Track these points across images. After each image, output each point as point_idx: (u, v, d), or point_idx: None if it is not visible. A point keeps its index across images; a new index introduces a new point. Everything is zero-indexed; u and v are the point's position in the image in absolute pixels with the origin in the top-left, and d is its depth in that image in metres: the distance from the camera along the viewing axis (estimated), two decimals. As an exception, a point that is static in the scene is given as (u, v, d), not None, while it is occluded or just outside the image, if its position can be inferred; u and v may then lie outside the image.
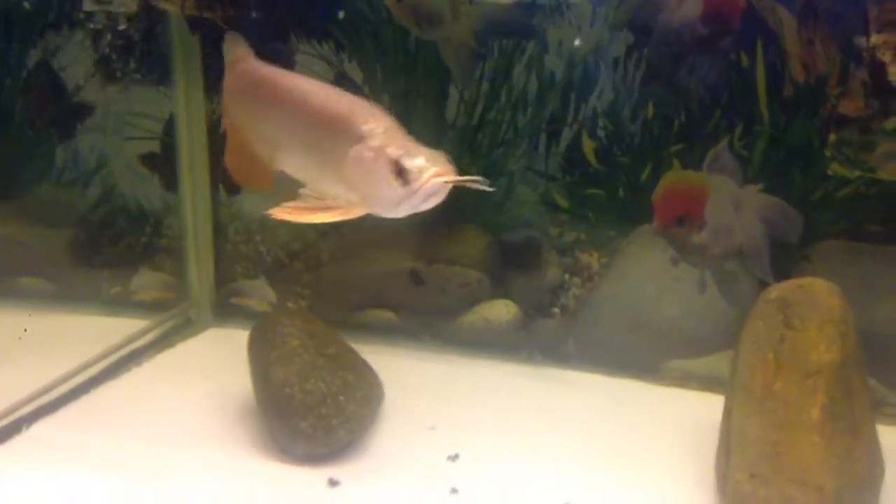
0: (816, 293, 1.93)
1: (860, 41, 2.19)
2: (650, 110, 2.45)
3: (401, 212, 1.37)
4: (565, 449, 2.15)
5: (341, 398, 2.10)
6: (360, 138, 1.38)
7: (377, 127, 1.38)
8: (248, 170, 1.65)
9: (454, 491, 1.98)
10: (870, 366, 2.33)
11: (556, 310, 2.62)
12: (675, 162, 2.42)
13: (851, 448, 1.82)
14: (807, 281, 1.96)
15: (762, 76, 2.30)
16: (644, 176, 2.44)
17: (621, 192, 2.48)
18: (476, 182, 1.33)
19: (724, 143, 2.42)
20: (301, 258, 2.84)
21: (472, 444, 2.16)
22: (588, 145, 2.49)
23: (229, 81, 1.66)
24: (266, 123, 1.56)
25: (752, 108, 2.34)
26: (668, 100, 2.40)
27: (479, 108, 2.55)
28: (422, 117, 2.57)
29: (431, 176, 1.30)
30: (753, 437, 1.87)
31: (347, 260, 2.81)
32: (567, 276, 2.61)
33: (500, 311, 2.67)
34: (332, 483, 2.00)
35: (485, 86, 2.53)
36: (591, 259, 2.59)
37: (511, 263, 2.66)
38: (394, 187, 1.32)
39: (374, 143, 1.36)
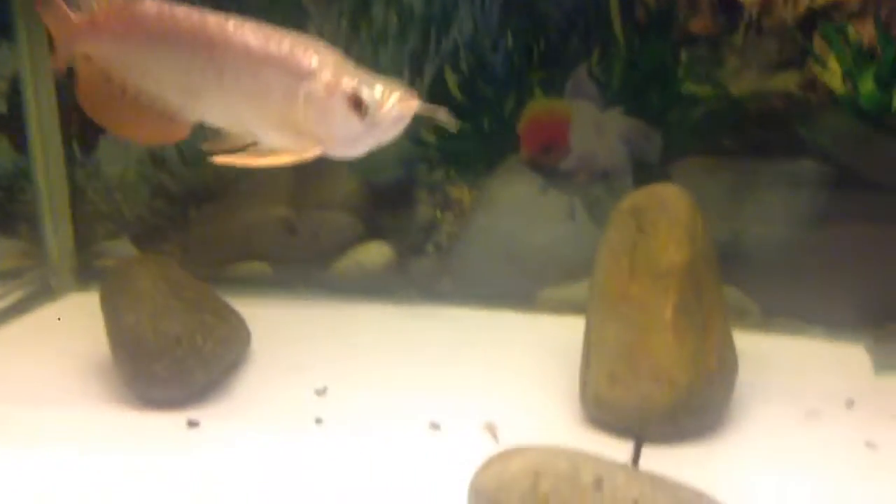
0: (666, 198, 1.99)
1: (704, -42, 2.27)
2: (510, 40, 2.50)
3: (360, 148, 1.31)
4: (434, 379, 2.17)
5: (198, 339, 2.05)
6: (308, 75, 1.31)
7: (325, 62, 1.32)
8: (119, 111, 1.51)
9: (319, 421, 1.98)
10: (733, 276, 2.44)
11: (429, 248, 2.64)
12: (538, 91, 2.47)
13: (703, 343, 1.88)
14: (657, 187, 2.01)
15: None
16: (509, 107, 2.48)
17: (487, 125, 2.51)
18: (437, 113, 1.31)
19: (582, 69, 2.48)
20: (166, 215, 2.78)
21: (340, 379, 2.16)
22: (451, 79, 2.51)
23: (102, 15, 1.49)
24: (175, 70, 1.43)
25: (606, 32, 2.40)
26: (527, 28, 2.44)
27: (339, 46, 2.54)
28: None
29: (392, 106, 1.26)
30: (610, 340, 1.92)
31: (215, 213, 2.77)
32: (439, 213, 2.63)
33: (374, 253, 2.67)
34: (192, 424, 1.96)
35: (344, 22, 2.53)
36: (461, 194, 2.61)
37: (382, 204, 2.67)
38: (352, 122, 1.27)
39: (326, 78, 1.30)
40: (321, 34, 2.55)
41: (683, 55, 2.35)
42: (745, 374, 2.05)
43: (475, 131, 2.51)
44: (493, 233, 2.56)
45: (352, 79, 1.28)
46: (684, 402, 1.83)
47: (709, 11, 2.32)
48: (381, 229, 2.65)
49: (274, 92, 1.32)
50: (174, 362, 2.00)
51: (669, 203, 1.97)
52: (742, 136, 2.37)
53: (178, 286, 2.16)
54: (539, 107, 2.44)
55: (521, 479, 1.40)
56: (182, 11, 1.38)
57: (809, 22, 2.27)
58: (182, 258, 2.71)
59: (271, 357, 2.28)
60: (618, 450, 1.84)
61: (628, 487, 1.37)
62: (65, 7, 1.46)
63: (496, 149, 2.50)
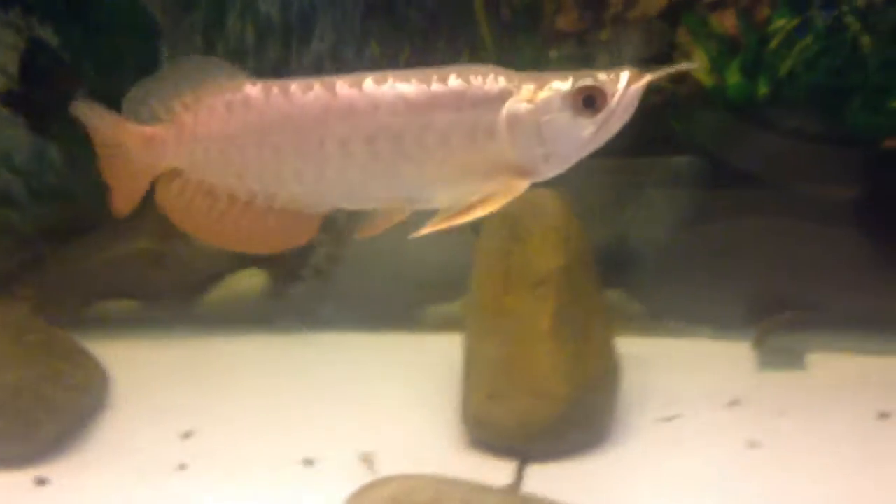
0: (539, 203, 1.95)
1: (564, -46, 2.26)
2: (375, 48, 2.44)
3: (583, 154, 1.11)
4: (312, 411, 2.08)
5: (46, 388, 1.92)
6: (501, 99, 1.10)
7: (510, 78, 1.10)
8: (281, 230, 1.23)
9: (182, 467, 1.86)
10: (617, 280, 2.43)
11: (307, 272, 2.54)
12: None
13: (583, 351, 1.86)
14: (530, 193, 1.98)
15: (479, 0, 2.33)
16: (378, 117, 2.41)
17: (357, 138, 2.44)
18: (674, 69, 1.11)
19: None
20: (16, 255, 2.61)
21: (209, 419, 2.05)
22: (316, 92, 2.43)
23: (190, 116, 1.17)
24: (301, 158, 1.16)
25: (474, 34, 2.36)
26: (391, 34, 2.38)
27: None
28: (131, 81, 2.42)
29: (627, 85, 1.06)
30: (488, 356, 1.88)
31: (74, 251, 2.61)
32: (314, 236, 2.54)
33: (249, 281, 2.55)
34: (40, 482, 1.82)
35: (198, 38, 2.43)
36: (337, 214, 2.53)
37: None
38: (582, 125, 1.07)
39: (526, 93, 1.09)
40: (174, 51, 2.48)
41: (553, 53, 2.34)
42: (631, 379, 2.02)
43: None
44: (373, 253, 2.49)
45: (560, 79, 1.08)
46: (566, 415, 1.79)
47: (574, 8, 2.30)
48: (256, 256, 2.55)
49: (455, 138, 1.11)
50: (16, 415, 1.86)
51: (543, 208, 1.93)
52: (619, 134, 2.35)
53: (21, 332, 2.02)
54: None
55: None
56: (297, 86, 1.13)
57: (674, 14, 2.28)
58: (38, 301, 2.56)
59: (134, 401, 2.15)
60: (501, 471, 1.78)
61: (496, 513, 1.32)
62: (136, 126, 1.14)
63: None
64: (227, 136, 1.14)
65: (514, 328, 1.85)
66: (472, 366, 1.89)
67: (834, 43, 2.22)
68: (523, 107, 1.08)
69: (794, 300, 2.35)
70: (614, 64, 2.52)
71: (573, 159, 1.09)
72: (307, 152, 1.13)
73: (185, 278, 2.54)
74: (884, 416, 1.90)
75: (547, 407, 1.78)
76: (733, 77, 2.25)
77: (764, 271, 2.35)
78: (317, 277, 2.54)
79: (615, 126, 1.07)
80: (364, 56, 2.39)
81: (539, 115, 1.07)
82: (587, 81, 1.05)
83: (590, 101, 1.05)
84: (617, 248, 2.40)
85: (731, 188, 2.36)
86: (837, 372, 2.13)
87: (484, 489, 1.41)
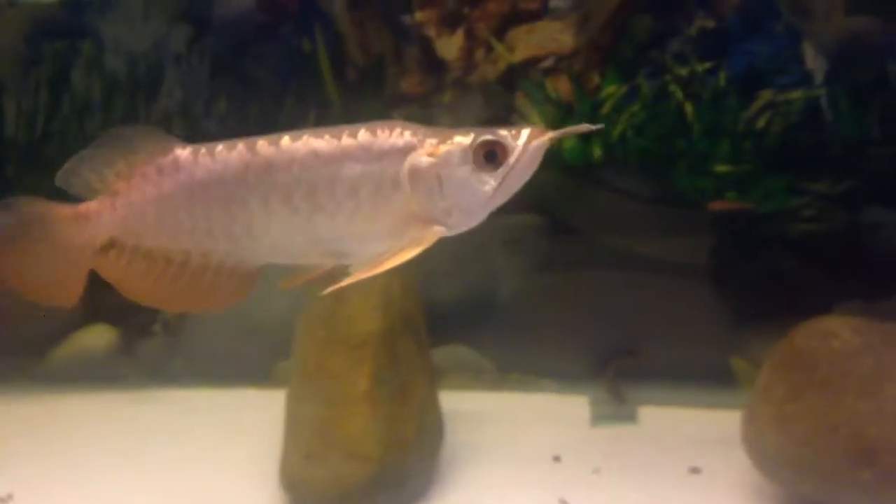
0: (361, 265, 2.01)
1: (407, 19, 2.35)
2: (223, 105, 2.48)
3: (488, 209, 1.11)
4: (140, 472, 2.06)
5: None
6: (405, 152, 1.12)
7: (416, 132, 1.12)
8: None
9: (-6, 533, 1.85)
10: (467, 336, 2.49)
11: (157, 328, 2.55)
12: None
13: (399, 413, 1.88)
14: (354, 254, 2.03)
15: (325, 61, 2.39)
16: (228, 173, 2.45)
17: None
18: (576, 130, 1.08)
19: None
20: None
21: (31, 482, 2.00)
22: (166, 147, 2.46)
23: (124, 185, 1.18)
24: (228, 215, 1.19)
25: (321, 93, 2.43)
26: (239, 92, 2.43)
27: (40, 120, 2.46)
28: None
29: (528, 140, 1.07)
30: (307, 416, 1.89)
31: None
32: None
33: (97, 337, 2.54)
34: None
35: (43, 94, 2.44)
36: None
37: (103, 285, 2.56)
38: (483, 178, 1.08)
39: (429, 146, 1.11)
40: (19, 108, 2.48)
41: (396, 115, 2.41)
42: (463, 437, 2.08)
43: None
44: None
45: (462, 134, 1.10)
46: (379, 476, 1.80)
47: (417, 71, 2.39)
48: (104, 311, 2.54)
49: (362, 190, 1.14)
50: None
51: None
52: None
53: None
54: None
55: None
56: (223, 146, 1.15)
57: (510, 78, 2.38)
58: None
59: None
60: (316, 532, 1.82)
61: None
62: (66, 206, 1.14)
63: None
64: (159, 198, 1.16)
65: (333, 390, 1.87)
66: (291, 427, 1.89)
67: (660, 110, 2.35)
68: (424, 160, 1.11)
69: (630, 353, 2.46)
70: (455, 125, 2.61)
71: (478, 213, 1.10)
72: (233, 209, 1.16)
73: (29, 334, 2.51)
74: (695, 471, 1.98)
75: (360, 468, 1.79)
76: (568, 140, 2.36)
77: (602, 325, 2.45)
78: (167, 333, 2.55)
79: (517, 181, 1.09)
80: (212, 113, 2.44)
81: (439, 169, 1.10)
82: (488, 136, 1.08)
83: (491, 155, 1.08)
84: (465, 305, 2.47)
85: (570, 245, 2.46)
86: (660, 426, 2.21)
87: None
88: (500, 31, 2.36)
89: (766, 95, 2.26)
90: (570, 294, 2.46)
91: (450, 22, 2.36)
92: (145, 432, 2.28)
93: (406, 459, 1.86)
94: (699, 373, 2.32)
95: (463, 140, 1.09)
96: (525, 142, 1.07)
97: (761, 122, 2.26)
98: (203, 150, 1.14)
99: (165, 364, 2.52)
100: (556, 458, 2.04)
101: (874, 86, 2.23)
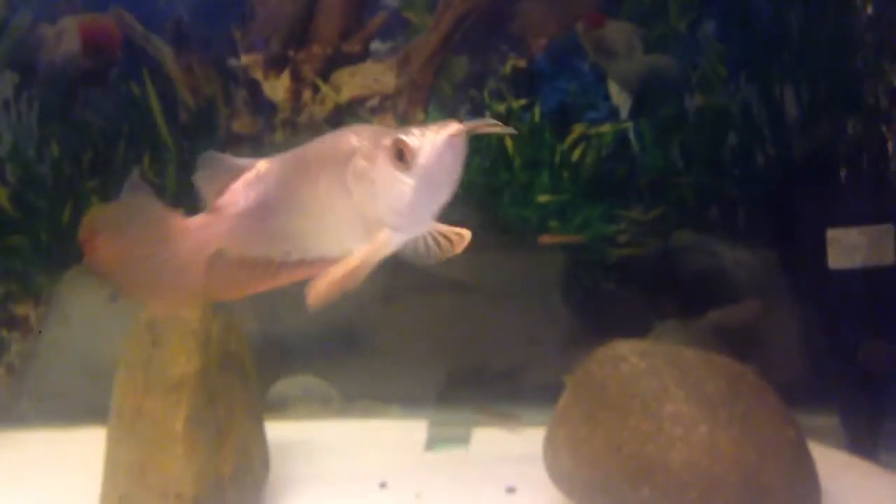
0: (178, 310, 2.02)
1: (234, 62, 2.37)
2: (55, 149, 2.46)
3: (423, 212, 1.11)
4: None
5: None
6: (350, 155, 1.13)
7: (364, 134, 1.13)
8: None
9: None
10: (313, 365, 2.52)
11: (0, 369, 2.51)
12: (94, 198, 2.44)
13: (216, 452, 1.89)
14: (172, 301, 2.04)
15: (156, 104, 2.39)
16: (65, 216, 2.43)
17: (44, 237, 2.44)
18: (487, 127, 1.07)
19: (135, 173, 2.48)
20: None
21: None
22: (1, 192, 2.43)
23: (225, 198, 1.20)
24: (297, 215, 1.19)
25: (155, 135, 2.43)
26: (71, 137, 2.42)
27: None
28: None
29: (436, 138, 1.06)
30: (123, 460, 1.88)
31: None
32: (5, 332, 2.52)
33: (-61, 382, 2.52)
34: None
35: None
36: (27, 310, 2.52)
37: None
38: (400, 179, 1.08)
39: (365, 147, 1.12)
40: None
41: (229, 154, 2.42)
42: (297, 468, 2.10)
43: (32, 244, 2.44)
44: (66, 347, 2.47)
45: (391, 135, 1.10)
46: (194, 514, 1.86)
47: (246, 111, 2.41)
48: (-54, 356, 2.49)
49: (327, 192, 1.17)
50: None
51: (182, 314, 2.00)
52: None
53: None
54: (97, 213, 2.40)
55: None
56: (287, 155, 1.19)
57: (338, 118, 2.42)
58: None
59: None
60: (134, 575, 1.82)
61: None
62: (183, 218, 1.17)
63: (57, 261, 2.44)
64: (252, 207, 1.17)
65: (149, 433, 1.87)
66: (109, 469, 1.88)
67: (482, 144, 2.42)
68: (360, 163, 1.12)
69: (468, 375, 2.53)
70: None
71: (410, 213, 1.10)
72: (298, 213, 1.17)
73: None
74: (510, 490, 2.03)
75: (174, 508, 1.84)
76: (394, 175, 2.40)
77: (443, 349, 2.51)
78: (11, 374, 2.51)
79: (438, 178, 1.07)
80: (45, 158, 2.42)
81: (370, 171, 1.10)
82: (397, 136, 1.09)
83: (401, 154, 1.08)
84: (311, 335, 2.50)
85: (409, 274, 2.51)
86: (488, 447, 2.27)
87: None
88: (325, 72, 2.40)
89: (578, 129, 2.36)
90: (412, 320, 2.51)
91: (275, 64, 2.39)
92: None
93: (224, 497, 1.87)
94: (533, 392, 2.40)
95: (384, 142, 1.10)
96: (433, 141, 1.06)
97: (576, 154, 2.35)
98: (274, 161, 1.18)
99: (10, 405, 2.48)
100: (383, 485, 2.07)
101: (674, 119, 2.35)
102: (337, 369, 2.52)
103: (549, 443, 1.90)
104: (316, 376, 2.51)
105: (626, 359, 1.91)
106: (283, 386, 2.52)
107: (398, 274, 2.55)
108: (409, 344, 2.49)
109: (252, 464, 1.97)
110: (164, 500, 1.83)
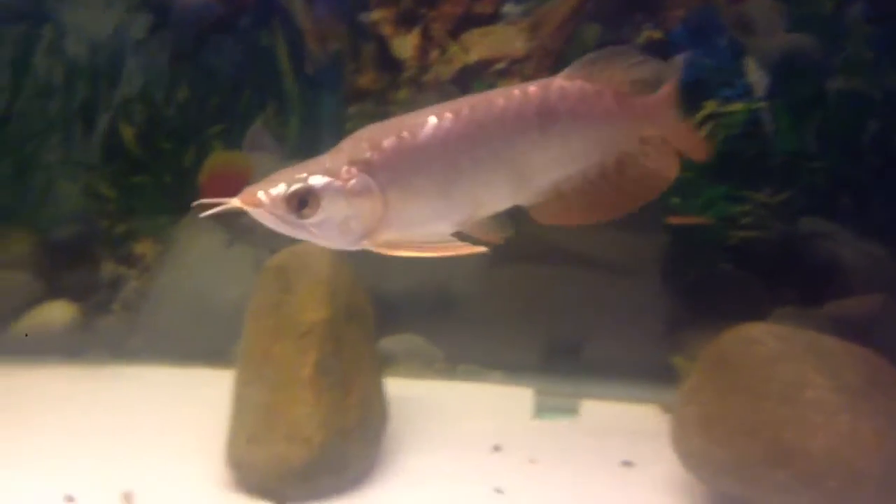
0: (308, 258, 1.97)
1: (364, 17, 2.30)
2: (185, 94, 2.42)
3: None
4: (87, 446, 2.03)
5: None
6: None
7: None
8: None
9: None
10: (418, 325, 2.48)
11: (116, 305, 2.50)
12: (217, 144, 2.41)
13: (341, 401, 1.87)
14: (300, 248, 2.00)
15: (284, 55, 2.35)
16: (188, 159, 2.40)
17: (167, 178, 2.42)
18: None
19: (259, 122, 2.45)
20: None
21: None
22: (127, 132, 2.41)
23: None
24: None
25: (280, 86, 2.38)
26: (199, 81, 2.38)
27: (2, 100, 2.38)
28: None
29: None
30: (251, 402, 1.87)
31: None
32: (123, 270, 2.51)
33: (57, 313, 2.49)
34: None
35: (5, 75, 2.37)
36: (145, 249, 2.50)
37: (62, 261, 2.51)
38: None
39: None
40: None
41: (352, 110, 2.37)
42: (409, 424, 2.07)
43: (155, 185, 2.42)
44: (181, 288, 2.46)
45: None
46: (319, 461, 1.79)
47: (373, 67, 2.35)
48: (65, 288, 2.48)
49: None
50: None
51: (312, 261, 1.96)
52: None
53: None
54: (219, 159, 2.38)
55: None
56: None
57: (464, 79, 2.34)
58: None
59: None
60: (256, 512, 1.81)
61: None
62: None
63: (178, 202, 2.42)
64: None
65: (277, 376, 1.85)
66: (236, 410, 1.88)
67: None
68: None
69: (575, 348, 2.46)
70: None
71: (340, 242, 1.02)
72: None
73: (-10, 307, 2.48)
74: (626, 464, 1.98)
75: (301, 452, 1.78)
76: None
77: (549, 320, 2.44)
78: (125, 311, 2.51)
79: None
80: (173, 101, 2.38)
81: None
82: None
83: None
84: (418, 295, 2.45)
85: (523, 240, 2.44)
86: (599, 419, 2.20)
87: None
88: (455, 32, 2.32)
89: (710, 106, 2.25)
90: (521, 288, 2.44)
91: (406, 21, 2.32)
92: (101, 406, 2.24)
93: (347, 445, 1.85)
94: (641, 369, 2.32)
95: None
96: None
97: (704, 132, 2.25)
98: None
99: (124, 341, 2.48)
100: (496, 448, 2.03)
101: (812, 101, 2.23)
102: (441, 331, 2.47)
103: (678, 420, 1.83)
104: (422, 337, 2.47)
105: (762, 341, 1.82)
106: (388, 343, 2.48)
107: (510, 241, 2.48)
108: (515, 312, 2.42)
109: (373, 417, 1.94)
110: (290, 443, 1.80)
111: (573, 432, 2.15)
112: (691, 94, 2.31)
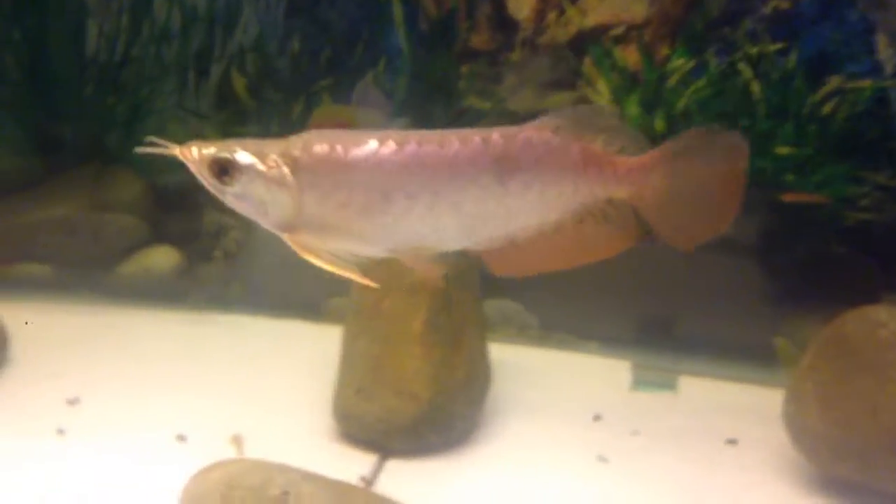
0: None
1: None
2: (297, 45, 2.41)
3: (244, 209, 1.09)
4: (195, 389, 2.05)
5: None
6: None
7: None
8: None
9: (60, 432, 1.83)
10: (514, 292, 2.44)
11: (218, 253, 2.52)
12: (326, 97, 2.39)
13: (450, 359, 1.84)
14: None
15: (399, 11, 2.31)
16: (296, 112, 2.39)
17: (275, 129, 2.41)
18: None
19: (370, 77, 2.43)
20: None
21: (98, 388, 2.01)
22: (239, 81, 2.41)
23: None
24: None
25: (392, 42, 2.35)
26: (313, 34, 2.36)
27: (120, 43, 2.41)
28: (60, 54, 2.37)
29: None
30: (360, 353, 1.86)
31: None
32: (226, 219, 2.52)
33: (161, 258, 2.52)
34: (-82, 438, 1.81)
35: (125, 19, 2.39)
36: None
37: (169, 208, 2.53)
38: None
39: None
40: (101, 31, 2.43)
41: (465, 69, 2.33)
42: (508, 388, 2.04)
43: (263, 135, 2.41)
44: (279, 241, 2.46)
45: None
46: (427, 416, 1.78)
47: (487, 27, 2.30)
48: (169, 233, 2.50)
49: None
50: None
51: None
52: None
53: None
54: (327, 113, 2.37)
55: (215, 491, 1.38)
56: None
57: (580, 43, 2.28)
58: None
59: (30, 364, 2.11)
60: (363, 463, 1.78)
61: (312, 499, 1.34)
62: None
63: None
64: None
65: (387, 330, 1.84)
66: (345, 362, 1.87)
67: (726, 87, 2.25)
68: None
69: (673, 324, 2.40)
70: (520, 84, 2.49)
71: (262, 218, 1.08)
72: None
73: (98, 249, 2.50)
74: (731, 442, 1.92)
75: (409, 407, 1.77)
76: (632, 109, 2.27)
77: (648, 295, 2.39)
78: (227, 260, 2.53)
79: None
80: (286, 52, 2.37)
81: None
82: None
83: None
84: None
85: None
86: (699, 396, 2.15)
87: (309, 478, 1.41)
88: (575, -6, 2.27)
89: (834, 81, 2.15)
90: (619, 260, 2.38)
91: (525, -19, 2.27)
92: (203, 351, 2.26)
93: (454, 403, 1.83)
94: (741, 348, 2.26)
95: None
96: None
97: (827, 108, 2.16)
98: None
99: (223, 289, 2.50)
100: (597, 417, 1.99)
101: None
102: (537, 299, 2.44)
103: (794, 400, 1.76)
104: (517, 302, 2.44)
105: (886, 325, 1.74)
106: (485, 307, 2.46)
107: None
108: (613, 283, 2.37)
109: (478, 377, 1.91)
110: (399, 397, 1.79)
111: (673, 407, 2.10)
112: (816, 68, 2.22)
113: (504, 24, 2.26)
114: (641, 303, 2.38)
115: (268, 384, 2.09)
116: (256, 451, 1.79)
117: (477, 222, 1.06)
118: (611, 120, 1.08)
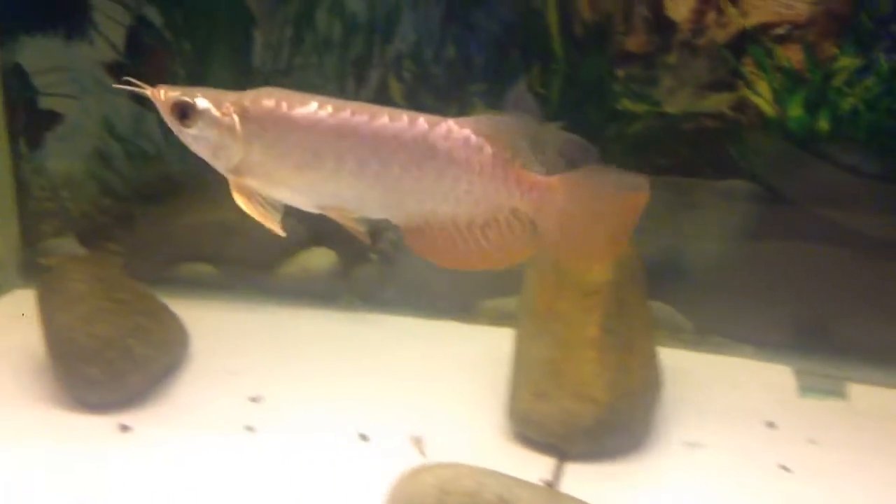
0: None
1: (640, -23, 2.21)
2: (452, 51, 2.42)
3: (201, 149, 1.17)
4: (369, 389, 2.09)
5: (131, 342, 1.96)
6: None
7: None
8: None
9: (250, 429, 1.90)
10: (668, 294, 2.40)
11: (373, 255, 2.57)
12: (478, 103, 2.40)
13: (626, 362, 1.83)
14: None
15: (554, 15, 2.28)
16: (449, 116, 2.40)
17: (429, 135, 2.43)
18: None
19: (522, 82, 2.42)
20: (112, 213, 2.67)
21: (276, 386, 2.08)
22: (395, 87, 2.44)
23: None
24: None
25: (546, 46, 2.33)
26: (468, 40, 2.37)
27: (284, 53, 2.46)
28: (227, 63, 2.45)
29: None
30: (536, 356, 1.87)
31: (161, 213, 2.66)
32: (381, 222, 2.55)
33: (319, 259, 2.58)
34: (124, 429, 1.87)
35: (289, 29, 2.44)
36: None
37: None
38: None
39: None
40: (267, 40, 2.50)
41: (620, 72, 2.30)
42: (673, 392, 2.01)
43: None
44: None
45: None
46: (606, 420, 1.78)
47: (643, 29, 2.26)
48: (326, 236, 2.56)
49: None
50: (106, 365, 1.91)
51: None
52: (676, 155, 2.33)
53: (113, 288, 2.05)
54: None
55: (429, 496, 1.38)
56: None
57: (740, 43, 2.21)
58: (128, 257, 2.62)
59: (210, 362, 2.19)
60: (541, 466, 1.78)
61: (528, 506, 1.34)
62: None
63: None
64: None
65: (563, 333, 1.83)
66: (520, 364, 1.88)
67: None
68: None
69: (834, 329, 2.32)
70: (677, 86, 2.44)
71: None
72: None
73: (259, 251, 2.58)
74: (914, 452, 1.87)
75: (588, 410, 1.77)
76: (795, 110, 2.19)
77: (807, 298, 2.31)
78: (382, 262, 2.57)
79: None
80: (441, 58, 2.39)
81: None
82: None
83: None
84: (669, 263, 2.37)
85: (783, 215, 2.32)
86: (874, 404, 2.07)
87: (521, 483, 1.41)
88: (736, -6, 2.21)
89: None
90: (777, 263, 2.32)
91: (685, -19, 2.22)
92: (366, 351, 2.31)
93: (632, 406, 1.82)
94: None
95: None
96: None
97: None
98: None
99: (377, 290, 2.54)
100: (770, 425, 1.95)
101: None
102: (693, 302, 2.39)
103: None
104: (669, 305, 2.40)
105: None
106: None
107: (770, 215, 2.37)
108: (770, 287, 2.31)
109: (652, 381, 1.90)
110: (578, 401, 1.79)
111: (847, 415, 2.03)
112: None
113: (661, 26, 2.22)
114: (798, 306, 2.31)
115: (436, 384, 2.12)
116: (436, 451, 1.84)
117: (396, 196, 1.13)
118: (541, 136, 1.14)
